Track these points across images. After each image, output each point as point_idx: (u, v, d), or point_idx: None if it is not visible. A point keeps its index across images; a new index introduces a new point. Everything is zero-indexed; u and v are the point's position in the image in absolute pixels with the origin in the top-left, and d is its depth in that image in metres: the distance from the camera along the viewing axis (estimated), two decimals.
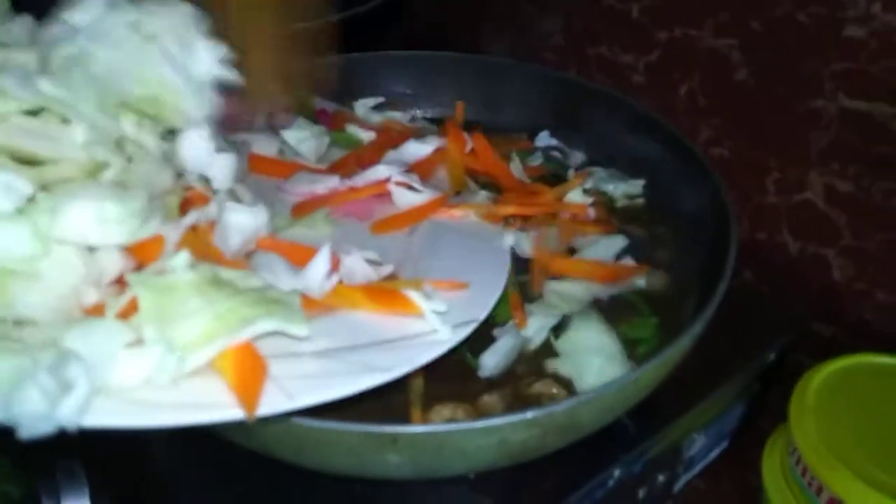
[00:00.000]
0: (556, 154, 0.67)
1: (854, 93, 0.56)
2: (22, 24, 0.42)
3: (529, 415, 0.36)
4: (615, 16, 0.71)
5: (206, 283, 0.32)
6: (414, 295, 0.40)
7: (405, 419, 0.43)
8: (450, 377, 0.45)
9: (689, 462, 0.55)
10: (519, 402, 0.45)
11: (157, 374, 0.31)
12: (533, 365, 0.48)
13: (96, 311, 0.33)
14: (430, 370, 0.40)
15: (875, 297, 0.60)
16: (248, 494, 0.45)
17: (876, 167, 0.57)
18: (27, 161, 0.35)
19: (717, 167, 0.55)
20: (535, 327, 0.49)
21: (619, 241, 0.56)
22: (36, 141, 0.34)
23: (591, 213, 0.58)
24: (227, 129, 0.47)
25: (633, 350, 0.48)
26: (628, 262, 0.54)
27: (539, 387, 0.46)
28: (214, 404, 0.31)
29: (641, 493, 0.51)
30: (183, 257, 0.33)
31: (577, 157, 0.67)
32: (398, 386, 0.44)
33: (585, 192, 0.60)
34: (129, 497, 0.47)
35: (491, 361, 0.46)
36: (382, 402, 0.44)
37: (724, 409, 0.55)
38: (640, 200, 0.62)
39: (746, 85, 0.64)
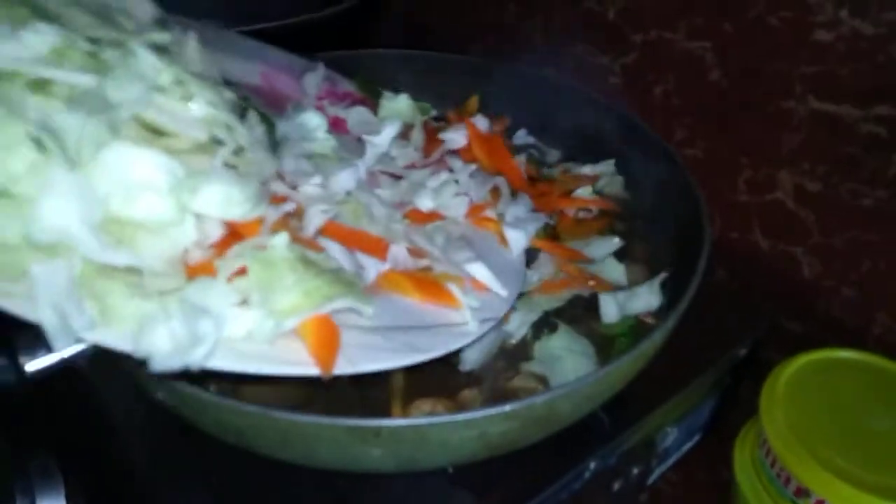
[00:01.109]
0: (533, 152, 0.68)
1: (823, 95, 0.58)
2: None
3: (508, 407, 0.36)
4: (592, 18, 0.72)
5: (298, 262, 0.38)
6: (455, 289, 0.44)
7: (386, 415, 0.44)
8: (430, 373, 0.45)
9: (662, 455, 0.56)
10: (498, 396, 0.45)
11: (258, 333, 0.36)
12: (512, 360, 0.48)
13: (200, 269, 0.37)
14: (410, 367, 0.41)
15: (842, 293, 0.62)
16: (226, 491, 0.45)
17: (844, 167, 0.58)
18: (154, 131, 0.40)
19: (691, 167, 0.56)
20: (517, 322, 0.49)
21: (614, 242, 0.56)
22: (162, 115, 0.40)
23: (595, 210, 0.59)
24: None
25: (611, 344, 0.49)
26: (611, 260, 0.55)
27: (518, 381, 0.46)
28: (299, 362, 0.36)
29: (616, 486, 0.52)
30: (283, 238, 0.38)
31: (554, 154, 0.67)
32: (379, 382, 0.45)
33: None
34: (104, 495, 0.46)
35: (473, 355, 0.47)
36: (364, 398, 0.44)
37: (697, 403, 0.56)
38: (619, 192, 0.63)
39: (719, 86, 0.65)
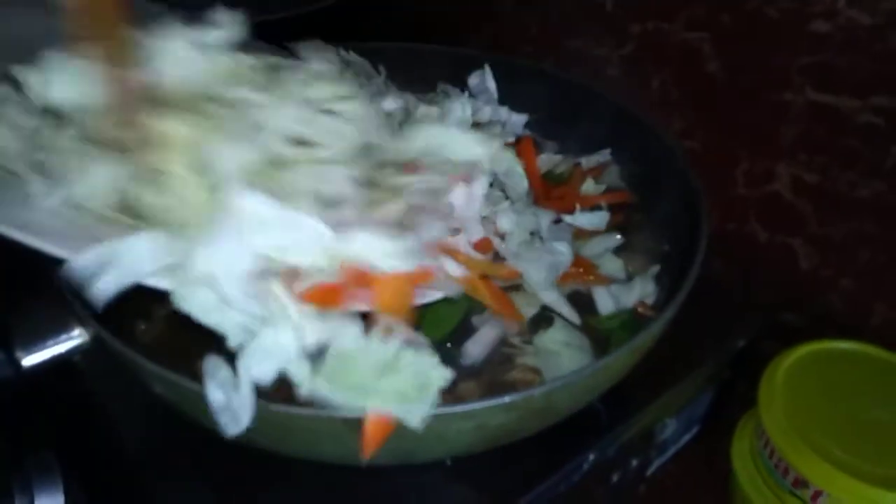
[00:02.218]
0: None
1: (821, 86, 0.58)
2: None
3: (508, 399, 0.36)
4: (590, 9, 0.72)
5: (384, 363, 0.36)
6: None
7: None
8: None
9: (661, 446, 0.56)
10: (495, 389, 0.45)
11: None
12: (508, 354, 0.48)
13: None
14: None
15: (840, 284, 0.62)
16: (224, 484, 0.45)
17: (842, 158, 0.58)
18: (299, 143, 0.43)
19: (689, 158, 0.56)
20: None
21: (614, 239, 0.55)
22: (308, 128, 0.43)
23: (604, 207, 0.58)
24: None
25: (607, 338, 0.49)
26: (609, 255, 0.55)
27: (515, 374, 0.46)
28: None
29: (615, 477, 0.52)
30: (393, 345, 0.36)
31: (551, 146, 0.67)
32: None
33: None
34: (103, 491, 0.46)
35: (475, 350, 0.47)
36: None
37: (695, 394, 0.56)
38: (616, 182, 0.62)
39: (717, 78, 0.64)
